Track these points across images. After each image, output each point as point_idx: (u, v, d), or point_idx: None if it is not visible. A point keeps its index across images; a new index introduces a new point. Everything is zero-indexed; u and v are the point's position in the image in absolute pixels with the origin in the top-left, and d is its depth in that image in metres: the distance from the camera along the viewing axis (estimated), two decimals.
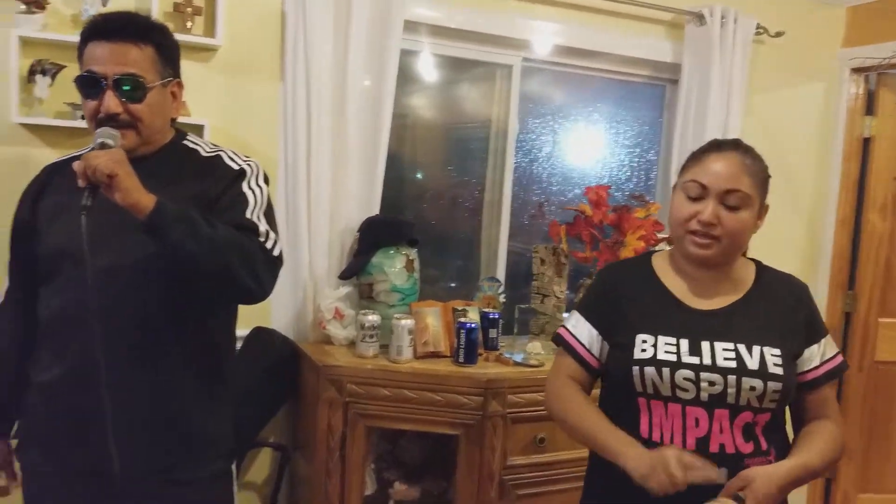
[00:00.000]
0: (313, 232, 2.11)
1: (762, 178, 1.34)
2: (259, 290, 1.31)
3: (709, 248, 1.30)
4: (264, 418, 2.11)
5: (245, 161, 1.42)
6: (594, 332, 1.38)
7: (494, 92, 2.63)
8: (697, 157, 1.35)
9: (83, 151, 1.43)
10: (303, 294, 2.13)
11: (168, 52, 1.39)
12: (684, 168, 1.37)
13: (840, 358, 1.37)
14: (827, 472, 1.38)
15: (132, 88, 1.29)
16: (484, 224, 2.66)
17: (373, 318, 1.97)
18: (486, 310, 2.16)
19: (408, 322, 1.95)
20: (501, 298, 2.29)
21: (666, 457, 1.17)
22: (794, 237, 3.06)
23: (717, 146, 1.35)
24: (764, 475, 1.20)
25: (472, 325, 1.97)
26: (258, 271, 1.29)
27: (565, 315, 1.49)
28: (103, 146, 1.21)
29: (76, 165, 1.17)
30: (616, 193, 2.68)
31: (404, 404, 1.88)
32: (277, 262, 1.36)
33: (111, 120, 1.27)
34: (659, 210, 2.25)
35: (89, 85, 1.29)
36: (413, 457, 2.13)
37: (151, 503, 1.35)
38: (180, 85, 1.44)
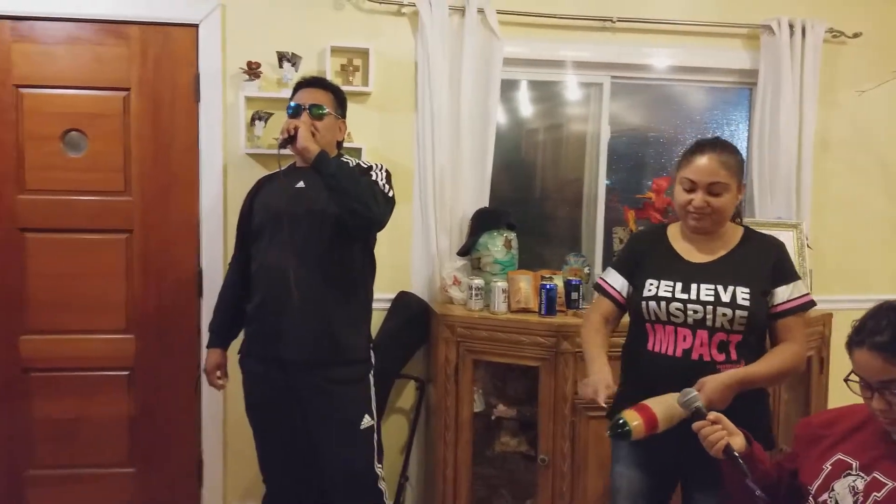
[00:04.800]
0: (438, 221, 2.86)
1: (737, 166, 1.82)
2: (376, 208, 2.02)
3: (701, 221, 1.83)
4: (406, 357, 2.90)
5: (372, 162, 2.25)
6: (624, 280, 1.96)
7: (589, 105, 3.23)
8: (687, 157, 1.83)
9: (282, 170, 2.30)
10: (432, 267, 2.89)
11: (339, 100, 2.30)
12: (679, 165, 1.86)
13: (808, 297, 1.83)
14: (778, 382, 1.86)
15: (317, 109, 2.19)
16: (584, 214, 3.27)
17: (477, 281, 2.68)
18: (570, 278, 2.77)
19: (501, 284, 2.64)
20: (585, 270, 2.89)
21: (598, 380, 1.74)
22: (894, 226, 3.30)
23: (699, 148, 1.83)
24: (713, 379, 1.66)
25: (551, 286, 2.60)
26: (377, 198, 2.05)
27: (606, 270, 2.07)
28: None
29: (282, 125, 2.07)
30: None
31: (499, 343, 2.57)
32: (390, 200, 2.14)
33: (293, 137, 2.06)
34: None
35: (295, 109, 2.18)
36: (516, 390, 2.79)
37: (312, 392, 2.15)
38: (344, 124, 2.33)
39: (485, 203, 2.92)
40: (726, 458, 1.50)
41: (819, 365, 2.90)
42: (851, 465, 1.42)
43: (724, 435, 1.51)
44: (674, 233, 1.95)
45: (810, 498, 1.46)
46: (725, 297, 1.78)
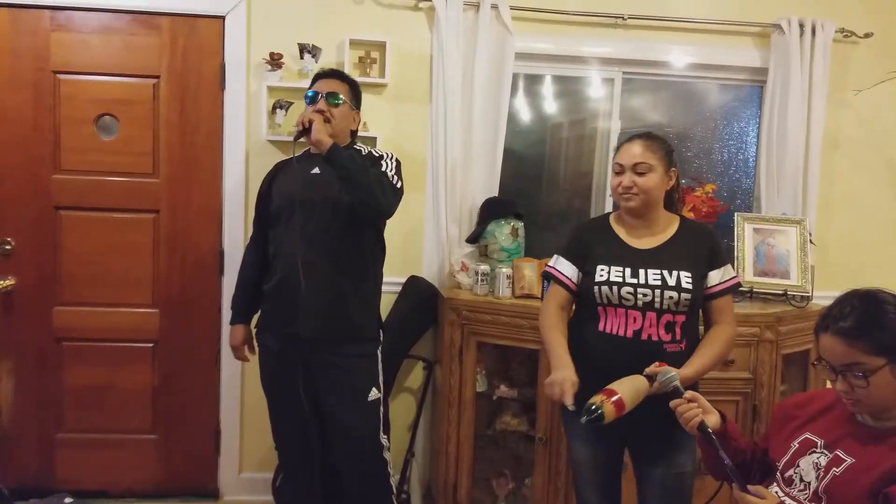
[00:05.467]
0: (449, 209, 2.97)
1: (662, 151, 1.98)
2: (383, 199, 2.13)
3: (631, 201, 1.98)
4: (415, 338, 3.02)
5: (383, 151, 2.36)
6: (573, 267, 2.08)
7: (601, 101, 3.31)
8: (617, 147, 2.04)
9: (298, 155, 2.42)
10: (441, 253, 3.01)
11: (355, 93, 2.42)
12: (613, 156, 2.04)
13: (736, 280, 2.01)
14: (721, 362, 2.01)
15: (333, 98, 2.31)
16: (593, 206, 3.36)
17: (483, 267, 2.79)
18: None
19: (505, 270, 2.75)
20: None
21: (560, 379, 1.82)
22: None
23: (629, 138, 2.02)
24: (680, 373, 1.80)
25: None
26: (385, 189, 2.16)
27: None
28: None
29: (298, 117, 2.19)
30: (719, 181, 3.27)
31: (502, 326, 2.68)
32: (398, 190, 2.24)
33: (308, 130, 2.21)
34: (714, 190, 2.80)
35: (313, 97, 2.31)
36: (518, 373, 2.91)
37: (324, 366, 2.28)
38: (358, 115, 2.44)
39: (494, 193, 3.02)
40: (700, 434, 1.60)
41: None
42: (817, 443, 1.52)
43: (700, 412, 1.62)
44: (614, 220, 2.10)
45: (777, 473, 1.56)
46: (671, 281, 1.93)
